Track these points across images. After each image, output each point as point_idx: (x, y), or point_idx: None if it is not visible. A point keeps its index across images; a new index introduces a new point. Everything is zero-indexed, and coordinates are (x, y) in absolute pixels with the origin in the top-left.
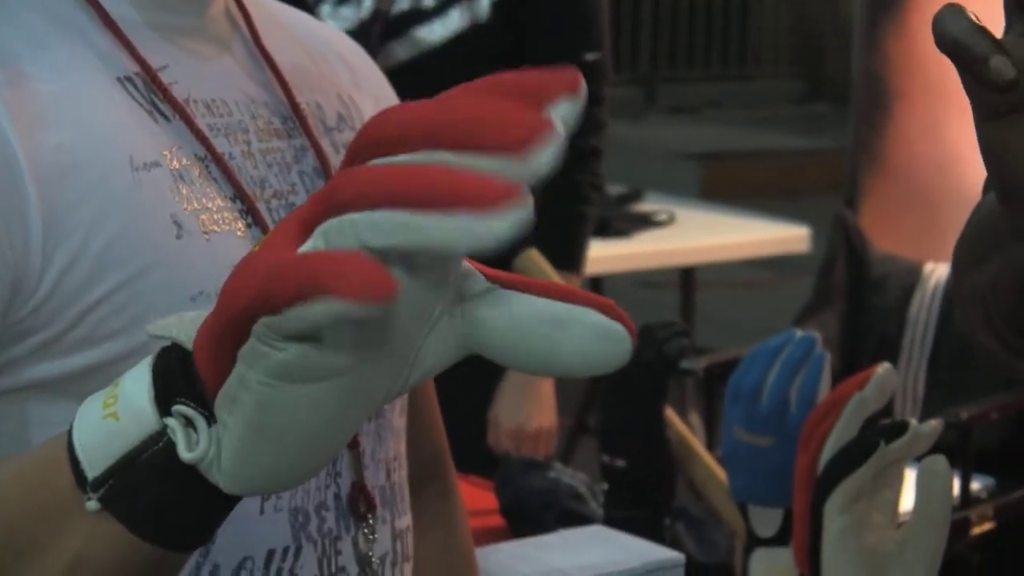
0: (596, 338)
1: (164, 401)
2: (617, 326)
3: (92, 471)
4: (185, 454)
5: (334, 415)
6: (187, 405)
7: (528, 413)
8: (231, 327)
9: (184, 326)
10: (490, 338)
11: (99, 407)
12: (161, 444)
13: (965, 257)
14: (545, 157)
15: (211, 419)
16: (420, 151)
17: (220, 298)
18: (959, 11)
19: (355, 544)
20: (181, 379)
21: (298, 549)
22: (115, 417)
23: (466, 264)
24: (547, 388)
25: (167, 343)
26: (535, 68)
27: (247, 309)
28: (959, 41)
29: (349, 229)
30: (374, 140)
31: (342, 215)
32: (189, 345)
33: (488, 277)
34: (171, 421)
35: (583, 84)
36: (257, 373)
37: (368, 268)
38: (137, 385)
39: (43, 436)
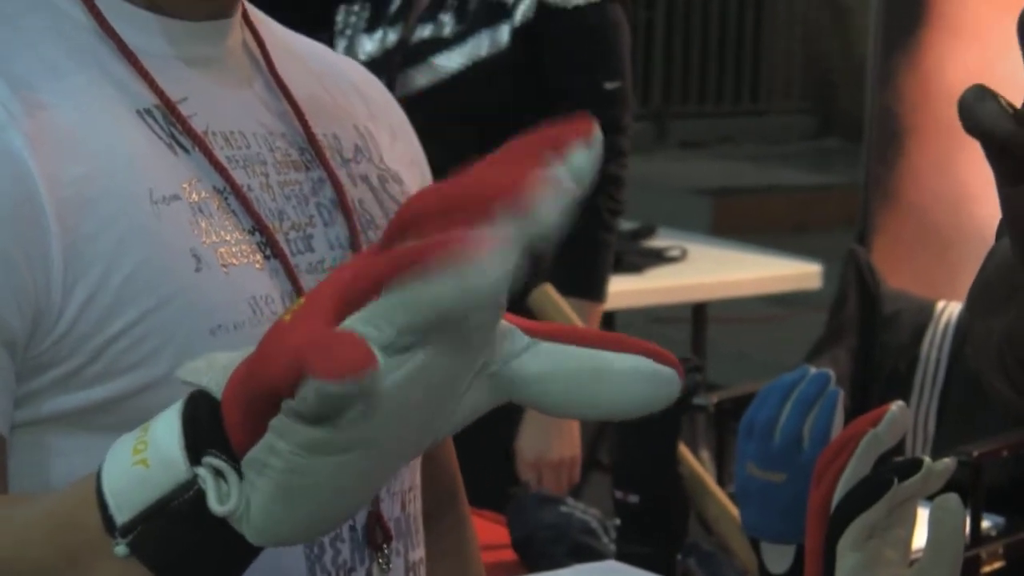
0: (636, 382)
1: (194, 450)
2: (663, 369)
3: (121, 516)
4: (216, 507)
5: (361, 478)
6: (218, 457)
7: (550, 444)
8: (260, 400)
9: (215, 373)
10: (532, 391)
11: (128, 452)
12: (191, 493)
13: (980, 303)
14: (547, 210)
15: (241, 472)
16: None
17: (253, 363)
18: (983, 94)
19: None
20: (211, 431)
21: None
22: (145, 464)
23: (505, 323)
24: (571, 420)
25: (194, 387)
26: (555, 102)
27: (274, 388)
28: (985, 126)
29: (362, 326)
30: (403, 225)
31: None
32: (219, 395)
33: (528, 331)
34: (202, 471)
35: (597, 133)
36: (287, 444)
37: (346, 346)
38: (167, 432)
39: (62, 467)
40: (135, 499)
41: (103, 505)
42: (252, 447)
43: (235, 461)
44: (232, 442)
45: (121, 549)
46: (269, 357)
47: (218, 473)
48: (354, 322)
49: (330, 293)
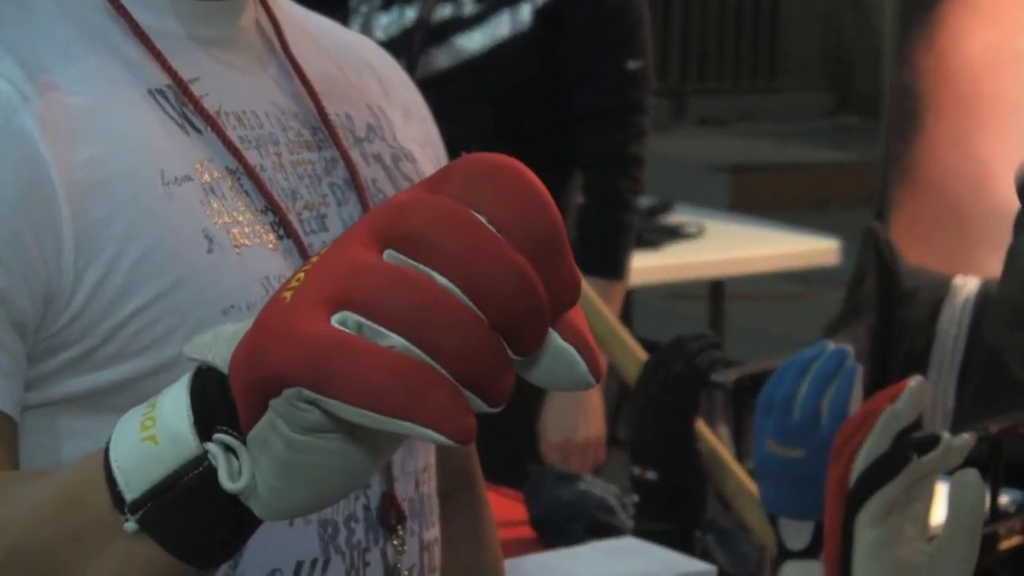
0: (562, 366)
1: (203, 426)
2: (585, 374)
3: (130, 493)
4: (228, 483)
5: (365, 454)
6: (228, 433)
7: (575, 424)
8: (267, 382)
9: (219, 348)
10: None
11: (136, 428)
12: (201, 469)
13: (1006, 318)
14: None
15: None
16: (429, 267)
17: (257, 345)
18: None
19: (383, 556)
20: (221, 406)
21: (327, 561)
22: (153, 440)
23: None
24: (595, 398)
25: (200, 363)
26: (576, 83)
27: (287, 375)
28: None
29: (372, 333)
30: (398, 232)
31: (375, 321)
32: (225, 369)
33: None
34: (212, 447)
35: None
36: (286, 423)
37: (454, 403)
38: (175, 408)
39: (74, 449)
40: (145, 476)
41: (112, 481)
42: (256, 421)
43: (243, 433)
44: (240, 418)
45: (131, 525)
46: (276, 343)
47: (228, 449)
48: (359, 326)
49: (334, 276)
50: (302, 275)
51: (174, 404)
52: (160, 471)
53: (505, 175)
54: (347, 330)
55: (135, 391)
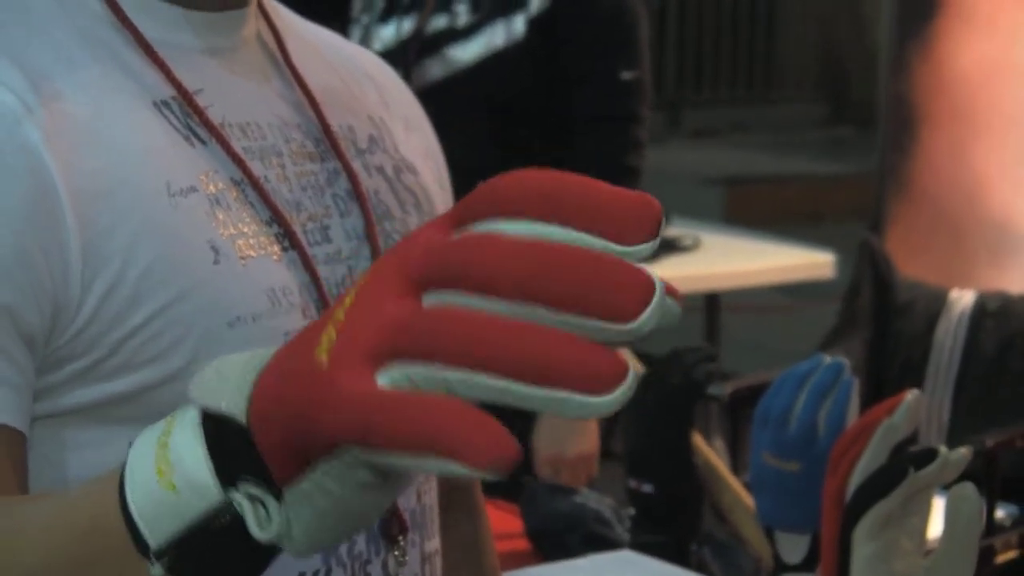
0: None
1: (226, 475)
2: None
3: (155, 540)
4: (258, 532)
5: (398, 487)
6: (254, 484)
7: (567, 440)
8: (315, 445)
9: (230, 395)
10: None
11: (151, 471)
12: (227, 518)
13: None
14: (651, 319)
15: (279, 496)
16: (532, 220)
17: (298, 401)
18: None
19: (384, 567)
20: (244, 457)
21: (328, 572)
22: (172, 488)
23: None
24: None
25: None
26: (572, 93)
27: (339, 438)
28: None
29: (440, 382)
30: (486, 201)
31: (431, 362)
32: (243, 418)
33: None
34: (238, 497)
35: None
36: (337, 485)
37: (493, 434)
38: (192, 455)
39: (79, 460)
40: (168, 524)
41: (131, 523)
42: (294, 477)
43: (271, 484)
44: (270, 469)
45: (157, 570)
46: (324, 408)
47: (253, 497)
48: (427, 383)
49: (375, 331)
50: (333, 335)
51: (191, 451)
52: (184, 521)
53: (522, 180)
54: (397, 384)
55: (142, 402)
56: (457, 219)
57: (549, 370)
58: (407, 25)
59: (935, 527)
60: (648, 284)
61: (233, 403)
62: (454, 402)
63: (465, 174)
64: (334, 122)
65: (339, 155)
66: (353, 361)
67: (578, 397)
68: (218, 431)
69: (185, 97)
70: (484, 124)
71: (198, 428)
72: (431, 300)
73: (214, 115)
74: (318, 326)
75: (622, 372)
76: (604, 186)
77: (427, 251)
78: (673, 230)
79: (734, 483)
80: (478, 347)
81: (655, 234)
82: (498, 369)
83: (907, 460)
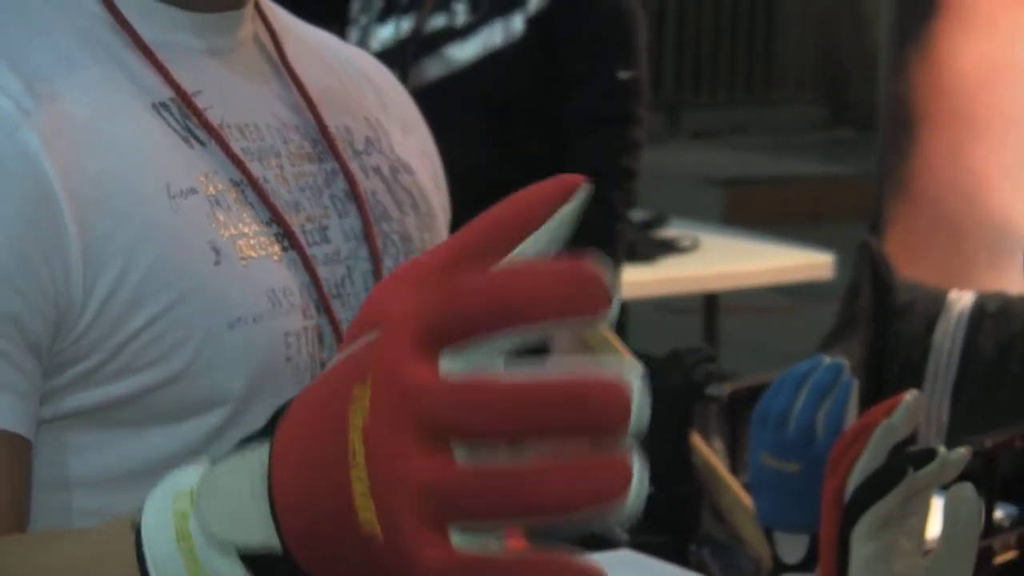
0: None
1: None
2: None
3: None
4: None
5: None
6: None
7: None
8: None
9: (251, 527)
10: None
11: (180, 569)
12: None
13: None
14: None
15: None
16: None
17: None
18: None
19: None
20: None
21: None
22: None
23: None
24: None
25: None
26: (569, 92)
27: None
28: None
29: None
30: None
31: (478, 519)
32: (278, 548)
33: None
34: None
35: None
36: None
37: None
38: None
39: (80, 462)
40: None
41: None
42: None
43: None
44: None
45: None
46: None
47: None
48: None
49: (415, 495)
50: (360, 448)
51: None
52: None
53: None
54: (467, 545)
55: (144, 404)
56: (423, 338)
57: (572, 511)
58: (405, 25)
59: (934, 527)
60: (625, 403)
61: (263, 536)
62: (540, 555)
63: (463, 174)
64: (331, 123)
65: (337, 156)
66: (413, 527)
67: (599, 510)
68: (261, 565)
69: (184, 98)
70: (482, 124)
71: (232, 553)
72: (452, 362)
73: (213, 116)
74: (351, 419)
75: (628, 476)
76: (548, 273)
77: (438, 301)
78: (672, 231)
79: (733, 484)
80: (515, 501)
81: (608, 302)
82: (533, 516)
83: (906, 460)
